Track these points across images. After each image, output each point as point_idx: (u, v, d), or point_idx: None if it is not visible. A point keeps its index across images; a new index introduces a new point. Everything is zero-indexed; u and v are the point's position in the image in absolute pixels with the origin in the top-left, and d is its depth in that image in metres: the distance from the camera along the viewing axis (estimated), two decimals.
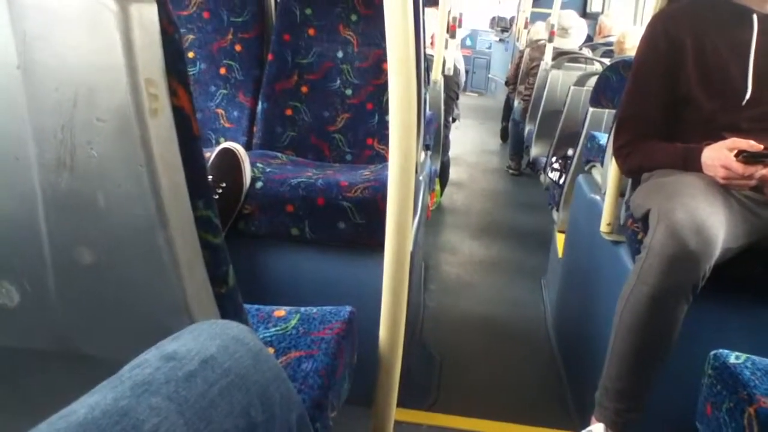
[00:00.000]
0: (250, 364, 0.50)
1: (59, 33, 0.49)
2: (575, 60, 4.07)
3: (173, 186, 0.53)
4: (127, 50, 0.49)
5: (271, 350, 0.95)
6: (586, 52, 4.39)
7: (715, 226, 1.27)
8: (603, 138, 2.28)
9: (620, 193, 1.82)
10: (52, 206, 0.54)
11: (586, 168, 2.42)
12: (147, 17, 0.50)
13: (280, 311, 1.06)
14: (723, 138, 1.44)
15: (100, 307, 0.58)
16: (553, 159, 3.20)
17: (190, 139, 0.55)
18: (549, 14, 4.53)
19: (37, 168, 0.52)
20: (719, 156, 1.38)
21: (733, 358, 1.05)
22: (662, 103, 1.59)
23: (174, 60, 0.53)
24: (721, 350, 1.07)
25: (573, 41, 4.54)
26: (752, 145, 1.36)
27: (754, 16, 1.50)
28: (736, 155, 1.36)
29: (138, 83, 0.49)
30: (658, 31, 1.60)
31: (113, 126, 0.50)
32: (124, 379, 0.44)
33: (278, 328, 1.01)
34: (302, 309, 1.07)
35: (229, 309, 0.63)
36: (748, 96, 1.49)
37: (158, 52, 0.51)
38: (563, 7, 4.55)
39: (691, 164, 1.46)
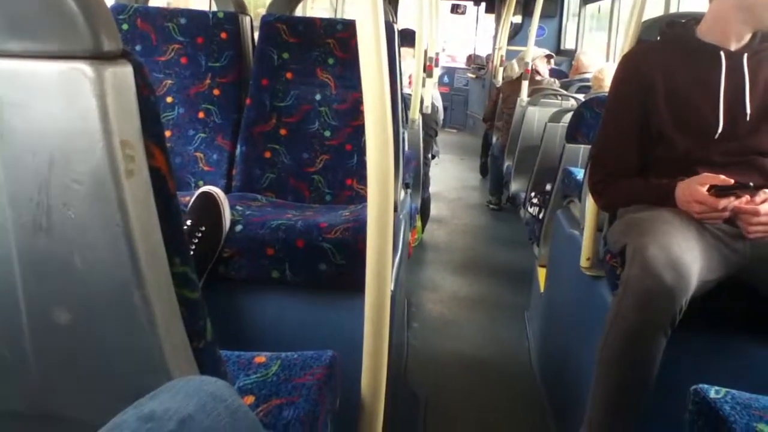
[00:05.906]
0: (228, 422, 0.50)
1: (36, 99, 0.49)
2: (550, 96, 4.14)
3: (150, 245, 0.53)
4: (102, 114, 0.49)
5: (251, 398, 0.94)
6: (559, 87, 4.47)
7: (690, 260, 1.29)
8: (579, 173, 2.31)
9: (598, 228, 1.84)
10: (28, 268, 0.53)
11: (565, 203, 2.44)
12: (122, 81, 0.51)
13: (261, 357, 1.06)
14: (697, 172, 1.47)
15: (77, 367, 0.58)
16: (532, 194, 3.24)
17: (166, 198, 0.55)
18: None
19: (13, 231, 0.52)
20: (692, 191, 1.42)
21: (713, 392, 1.05)
22: (635, 140, 1.62)
23: (150, 121, 0.53)
24: (701, 385, 1.08)
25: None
26: (723, 179, 1.40)
27: (722, 53, 1.55)
28: (708, 189, 1.39)
29: (113, 146, 0.50)
30: (629, 70, 1.64)
31: (89, 188, 0.51)
32: None
33: (259, 374, 1.01)
34: (283, 354, 1.06)
35: (207, 363, 0.63)
36: (720, 131, 1.52)
37: (134, 115, 0.52)
38: (537, 44, 4.65)
39: (665, 200, 1.49)
